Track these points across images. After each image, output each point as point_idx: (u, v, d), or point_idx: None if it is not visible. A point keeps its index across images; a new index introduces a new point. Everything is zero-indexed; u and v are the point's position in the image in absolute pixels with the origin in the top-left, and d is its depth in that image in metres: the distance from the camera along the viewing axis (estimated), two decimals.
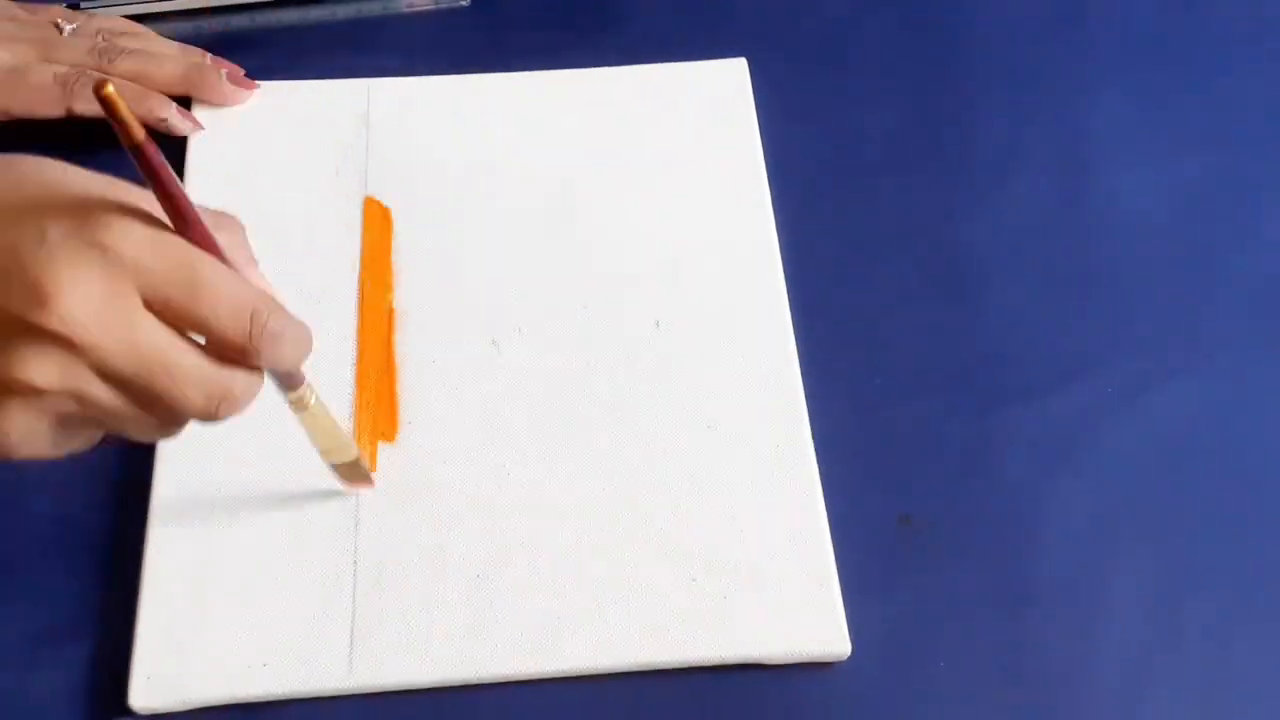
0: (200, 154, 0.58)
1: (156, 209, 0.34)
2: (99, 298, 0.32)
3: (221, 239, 0.35)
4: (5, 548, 0.48)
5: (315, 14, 0.63)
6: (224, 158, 0.58)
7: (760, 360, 0.53)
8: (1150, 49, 0.64)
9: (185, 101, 0.58)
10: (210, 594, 0.47)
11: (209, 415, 0.36)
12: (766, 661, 0.46)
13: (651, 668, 0.46)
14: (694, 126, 0.59)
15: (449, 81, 0.61)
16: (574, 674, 0.46)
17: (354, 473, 0.48)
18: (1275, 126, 0.62)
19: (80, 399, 0.34)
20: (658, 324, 0.54)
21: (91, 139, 0.57)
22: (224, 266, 0.35)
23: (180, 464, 0.49)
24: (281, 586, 0.47)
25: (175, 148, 0.58)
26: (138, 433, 0.36)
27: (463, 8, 0.64)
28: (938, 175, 0.60)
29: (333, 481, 0.48)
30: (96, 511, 0.49)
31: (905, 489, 0.51)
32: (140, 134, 0.32)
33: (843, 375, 0.53)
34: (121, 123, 0.31)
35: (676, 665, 0.46)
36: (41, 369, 0.33)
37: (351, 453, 0.47)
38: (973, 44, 0.64)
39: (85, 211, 0.33)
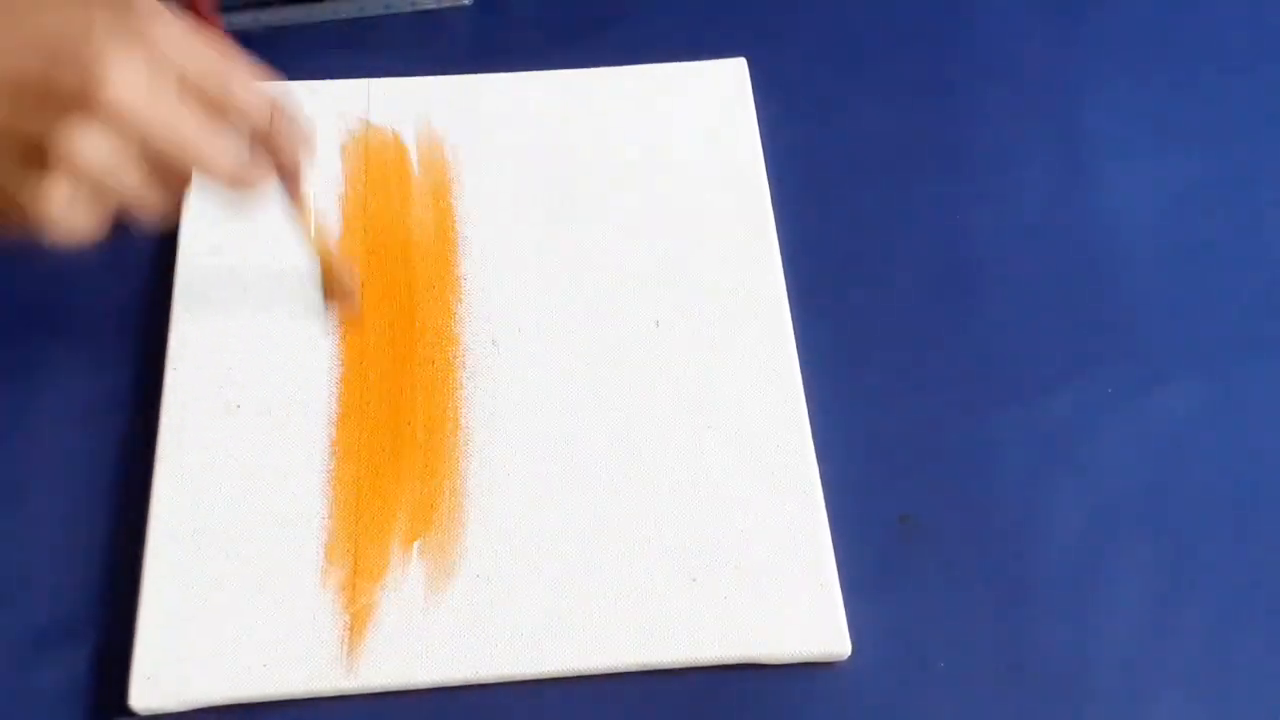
0: None
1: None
2: (144, 79, 0.37)
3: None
4: (5, 548, 0.48)
5: (316, 13, 0.63)
6: None
7: (760, 360, 0.53)
8: (1150, 49, 0.64)
9: None
10: (210, 594, 0.47)
11: (235, 178, 0.41)
12: (766, 661, 0.46)
13: (651, 668, 0.46)
14: (694, 126, 0.59)
15: (449, 81, 0.61)
16: (574, 674, 0.46)
17: (340, 281, 0.50)
18: (1275, 126, 0.62)
19: (118, 171, 0.38)
20: (658, 324, 0.54)
21: None
22: (244, 66, 0.40)
23: (180, 464, 0.49)
24: (281, 587, 0.47)
25: None
26: (152, 208, 0.40)
27: (463, 7, 0.64)
28: (938, 175, 0.60)
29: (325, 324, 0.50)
30: (96, 511, 0.49)
31: (905, 489, 0.51)
32: None
33: (843, 375, 0.53)
34: None
35: (676, 665, 0.46)
36: (90, 144, 0.36)
37: (339, 263, 0.50)
38: (973, 44, 0.64)
39: (129, 5, 0.37)
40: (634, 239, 0.56)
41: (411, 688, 0.46)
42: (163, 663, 0.45)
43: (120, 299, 0.54)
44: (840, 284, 0.56)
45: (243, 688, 0.45)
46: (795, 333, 0.53)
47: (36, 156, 0.37)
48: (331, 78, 0.60)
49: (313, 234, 0.49)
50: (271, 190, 0.44)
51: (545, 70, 0.61)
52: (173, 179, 0.40)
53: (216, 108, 0.40)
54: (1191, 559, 0.50)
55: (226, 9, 0.63)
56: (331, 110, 0.59)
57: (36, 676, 0.46)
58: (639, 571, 0.48)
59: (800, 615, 0.47)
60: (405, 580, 0.47)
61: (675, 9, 0.65)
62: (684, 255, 0.56)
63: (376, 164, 0.58)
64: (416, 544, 0.48)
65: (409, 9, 0.64)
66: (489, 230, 0.56)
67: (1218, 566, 0.49)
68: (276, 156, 0.43)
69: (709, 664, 0.46)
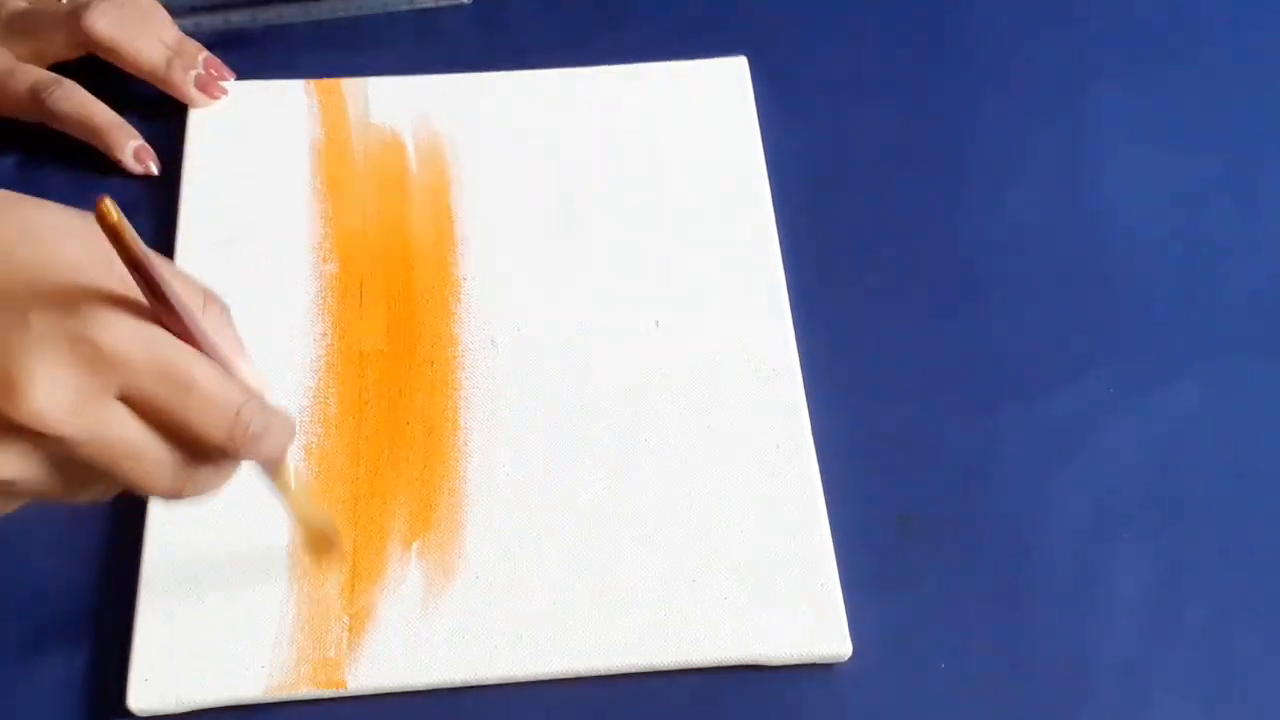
0: (198, 151, 0.58)
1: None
2: (73, 393, 0.31)
3: (209, 324, 0.34)
4: (5, 548, 0.48)
5: (316, 13, 0.63)
6: (222, 155, 0.58)
7: (760, 360, 0.53)
8: (1150, 48, 0.64)
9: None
10: (209, 595, 0.46)
11: (174, 498, 0.35)
12: (766, 662, 0.46)
13: (651, 668, 0.46)
14: (694, 126, 0.59)
15: (449, 81, 0.61)
16: (574, 674, 0.46)
17: (325, 544, 0.46)
18: (1275, 126, 0.62)
19: (31, 482, 0.33)
20: (658, 324, 0.54)
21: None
22: (211, 366, 0.34)
23: None
24: (280, 588, 0.47)
25: (174, 145, 0.58)
26: (76, 503, 0.36)
27: (463, 7, 0.64)
28: (938, 175, 0.59)
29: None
30: (95, 512, 0.49)
31: (905, 489, 0.51)
32: (137, 250, 0.31)
33: (843, 375, 0.53)
34: (120, 242, 0.30)
35: (676, 665, 0.46)
36: (6, 460, 0.32)
37: (325, 525, 0.46)
38: (972, 43, 0.64)
39: (73, 301, 0.31)
40: (634, 239, 0.56)
41: (411, 689, 0.45)
42: (161, 664, 0.45)
43: None
44: (840, 284, 0.56)
45: (241, 689, 0.45)
46: (795, 333, 0.53)
47: None
48: (331, 76, 0.60)
49: (292, 498, 0.43)
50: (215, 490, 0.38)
51: (545, 70, 0.61)
52: (93, 491, 0.35)
53: (165, 425, 0.33)
54: (1192, 559, 0.50)
55: (227, 8, 0.63)
56: (330, 109, 0.59)
57: (36, 676, 0.46)
58: (639, 572, 0.48)
59: (800, 615, 0.47)
60: (404, 581, 0.47)
61: (675, 9, 0.65)
62: (684, 255, 0.55)
63: (376, 164, 0.58)
64: (416, 544, 0.48)
65: (409, 8, 0.64)
66: (489, 230, 0.56)
67: (1218, 566, 0.49)
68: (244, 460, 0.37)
69: (709, 664, 0.46)
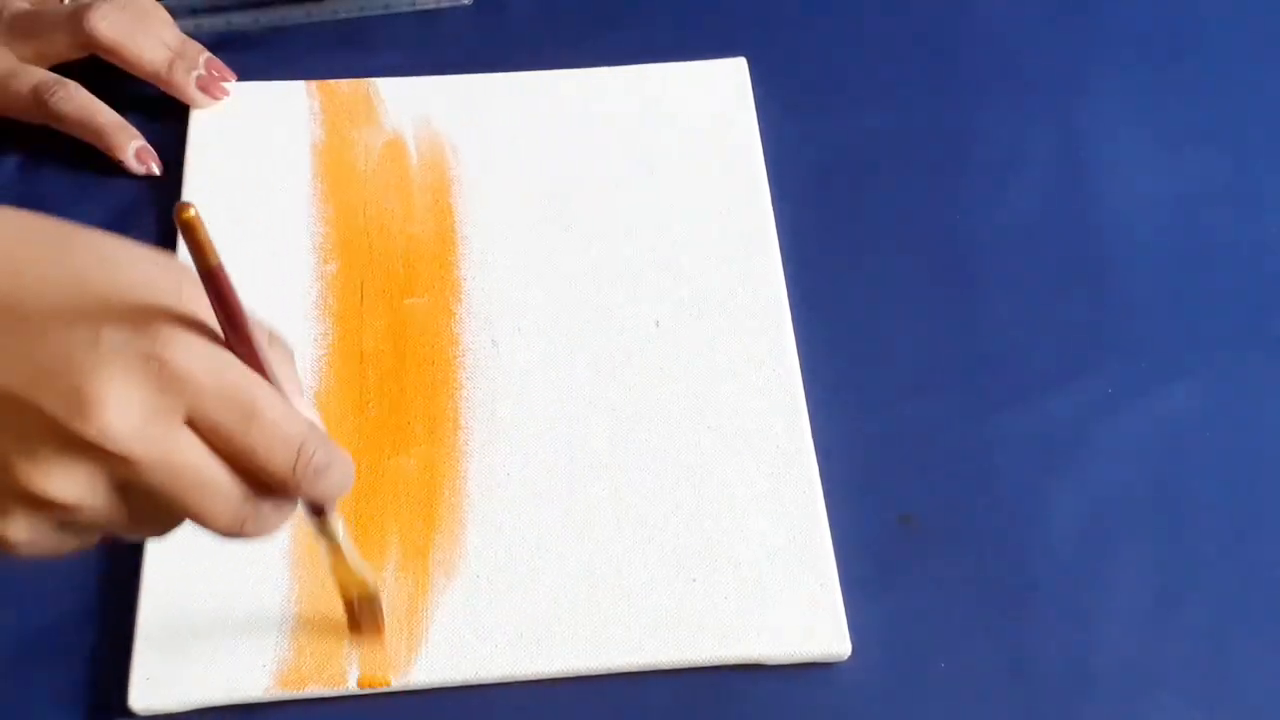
0: (200, 152, 0.58)
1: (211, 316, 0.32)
2: (142, 412, 0.31)
3: (273, 360, 0.34)
4: None
5: (316, 13, 0.63)
6: (223, 156, 0.58)
7: (760, 360, 0.53)
8: (1150, 48, 0.64)
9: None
10: (210, 594, 0.47)
11: (233, 534, 0.34)
12: (766, 661, 0.46)
13: (651, 668, 0.46)
14: (694, 126, 0.59)
15: (450, 81, 0.61)
16: (574, 674, 0.46)
17: (369, 613, 0.45)
18: (1275, 126, 0.62)
19: (93, 510, 0.32)
20: (658, 324, 0.54)
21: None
22: (278, 395, 0.33)
23: None
24: (281, 587, 0.47)
25: (176, 146, 0.58)
26: (139, 536, 0.35)
27: (464, 7, 0.64)
28: (938, 175, 0.60)
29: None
30: None
31: (905, 489, 0.51)
32: (215, 259, 0.30)
33: (843, 375, 0.53)
34: (199, 246, 0.30)
35: (676, 665, 0.46)
36: (65, 482, 0.31)
37: (370, 586, 0.44)
38: (972, 44, 0.64)
39: (145, 319, 0.31)
40: (634, 239, 0.56)
41: (412, 688, 0.46)
42: (162, 663, 0.45)
43: None
44: (840, 284, 0.56)
45: (243, 688, 0.45)
46: (795, 333, 0.53)
47: (0, 484, 0.31)
48: (332, 77, 0.60)
49: (338, 558, 0.43)
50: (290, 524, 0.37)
51: (545, 70, 0.61)
52: (159, 523, 0.34)
53: (229, 452, 0.33)
54: (1192, 559, 0.50)
55: (228, 9, 0.63)
56: (331, 111, 0.59)
57: (36, 677, 0.46)
58: (639, 571, 0.48)
59: (800, 615, 0.47)
60: (405, 581, 0.47)
61: (675, 9, 0.65)
62: (684, 255, 0.56)
63: (377, 165, 0.58)
64: (416, 544, 0.48)
65: (409, 9, 0.64)
66: (489, 230, 0.56)
67: (1218, 566, 0.49)
68: (300, 498, 0.36)
69: (709, 664, 0.46)
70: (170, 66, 0.58)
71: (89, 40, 0.57)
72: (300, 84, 0.60)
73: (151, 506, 0.33)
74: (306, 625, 0.46)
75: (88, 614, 0.47)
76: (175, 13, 0.61)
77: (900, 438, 0.52)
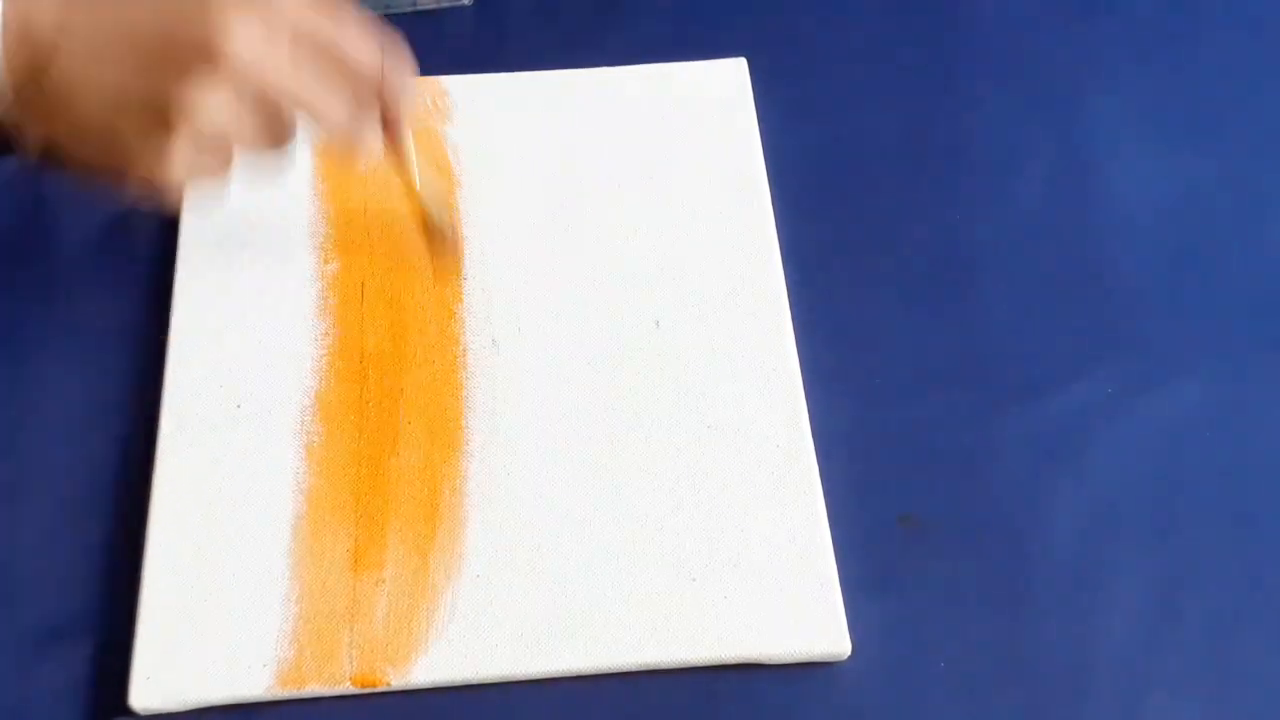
0: None
1: None
2: (261, 37, 0.40)
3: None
4: (5, 548, 0.48)
5: None
6: None
7: (760, 360, 0.53)
8: (1150, 48, 0.64)
9: None
10: (210, 594, 0.47)
11: (344, 131, 0.44)
12: (766, 661, 0.46)
13: (651, 668, 0.46)
14: (694, 126, 0.59)
15: (450, 81, 0.61)
16: (574, 674, 0.46)
17: (439, 240, 0.52)
18: (1275, 126, 0.62)
19: (234, 120, 0.40)
20: (658, 324, 0.54)
21: None
22: (351, 23, 0.43)
23: (180, 464, 0.49)
24: (281, 587, 0.47)
25: None
26: (260, 147, 0.43)
27: (464, 7, 0.64)
28: (938, 175, 0.60)
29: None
30: (96, 511, 0.49)
31: (905, 489, 0.51)
32: None
33: (843, 375, 0.53)
34: None
35: (676, 665, 0.46)
36: (213, 100, 0.39)
37: (437, 218, 0.52)
38: (972, 44, 0.64)
39: None
40: (634, 239, 0.56)
41: (412, 688, 0.46)
42: (163, 663, 0.45)
43: (120, 299, 0.54)
44: (840, 284, 0.56)
45: (243, 687, 0.45)
46: (795, 333, 0.53)
47: (159, 116, 0.39)
48: None
49: (417, 184, 0.51)
50: (376, 141, 0.47)
51: (545, 70, 0.61)
52: (281, 130, 0.42)
53: (328, 61, 0.42)
54: (1192, 559, 0.50)
55: None
56: None
57: (36, 676, 0.46)
58: (639, 571, 0.48)
59: (800, 615, 0.47)
60: (406, 580, 0.47)
61: (675, 9, 0.65)
62: (684, 255, 0.56)
63: (377, 164, 0.58)
64: (417, 544, 0.48)
65: (409, 9, 0.64)
66: (489, 230, 0.56)
67: (1218, 567, 0.49)
68: (383, 107, 0.45)
69: (709, 664, 0.46)
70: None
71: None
72: None
73: (273, 115, 0.41)
74: (306, 625, 0.46)
75: (88, 614, 0.47)
76: None
77: (900, 437, 0.52)
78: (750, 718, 0.46)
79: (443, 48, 0.62)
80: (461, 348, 0.53)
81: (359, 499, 0.49)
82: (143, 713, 0.45)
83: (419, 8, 0.64)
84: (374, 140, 0.46)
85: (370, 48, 0.44)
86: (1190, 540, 0.50)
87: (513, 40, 0.63)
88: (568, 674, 0.46)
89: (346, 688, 0.45)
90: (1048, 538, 0.50)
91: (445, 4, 0.64)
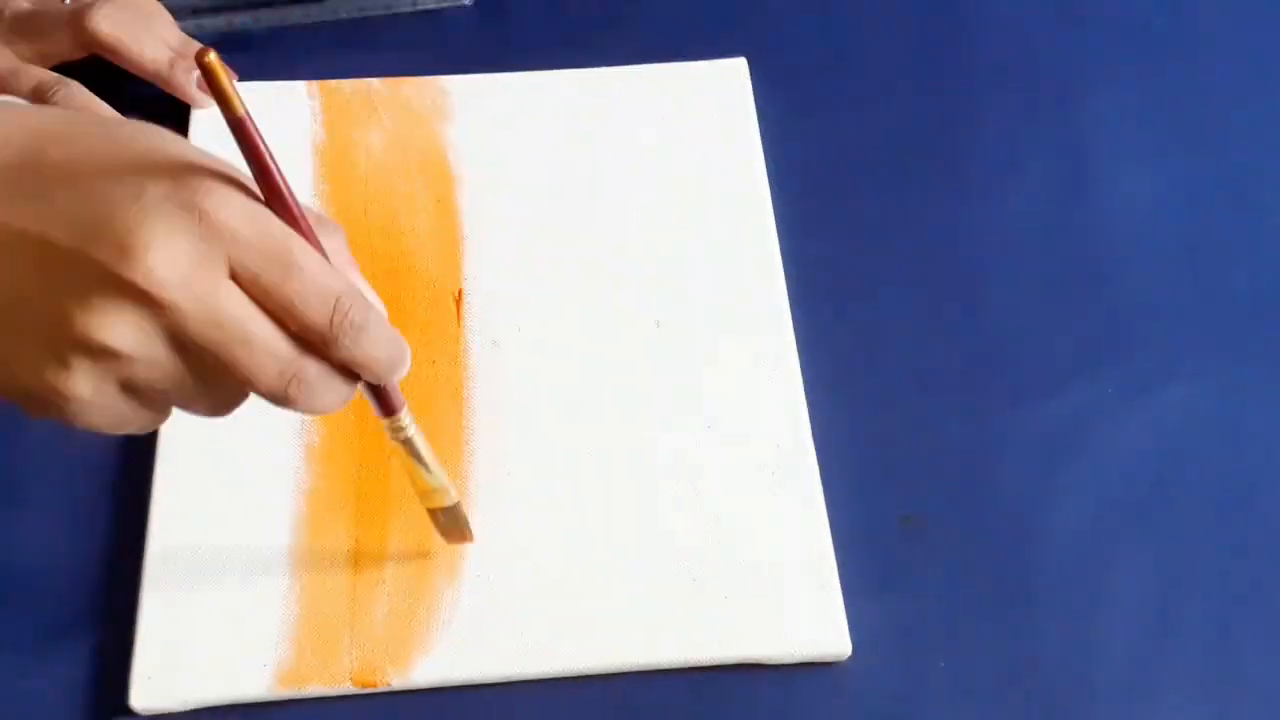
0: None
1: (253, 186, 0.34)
2: (186, 259, 0.32)
3: (324, 241, 0.35)
4: (5, 547, 0.48)
5: (316, 13, 0.63)
6: (224, 156, 0.58)
7: (760, 360, 0.53)
8: (1150, 48, 0.64)
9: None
10: (210, 594, 0.47)
11: (279, 393, 0.35)
12: (766, 661, 0.46)
13: (651, 668, 0.46)
14: (694, 126, 0.59)
15: (450, 81, 0.61)
16: (574, 674, 0.46)
17: (452, 522, 0.46)
18: (1275, 125, 0.62)
19: (150, 365, 0.33)
20: (658, 324, 0.54)
21: None
22: (314, 252, 0.34)
23: (180, 464, 0.49)
24: (281, 587, 0.47)
25: None
26: (198, 409, 0.36)
27: (464, 7, 0.64)
28: (938, 175, 0.60)
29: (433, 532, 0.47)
30: (96, 511, 0.49)
31: (905, 489, 0.51)
32: (241, 109, 0.32)
33: (843, 375, 0.53)
34: (222, 96, 0.32)
35: (676, 665, 0.46)
36: (118, 328, 0.32)
37: (449, 498, 0.45)
38: (973, 44, 0.64)
39: (186, 175, 0.33)
40: (634, 239, 0.56)
41: (412, 688, 0.46)
42: (163, 663, 0.45)
43: None
44: (841, 284, 0.56)
45: (244, 687, 0.45)
46: (795, 333, 0.53)
47: (59, 337, 0.32)
48: (332, 77, 0.60)
49: (427, 479, 0.44)
50: (335, 405, 0.37)
51: (546, 71, 0.61)
52: (220, 381, 0.35)
53: (271, 305, 0.34)
54: (1193, 559, 0.50)
55: (229, 9, 0.63)
56: (332, 111, 0.59)
57: (36, 676, 0.46)
58: (639, 571, 0.48)
59: (800, 615, 0.47)
60: (406, 581, 0.47)
61: (675, 9, 0.65)
62: (684, 255, 0.56)
63: (377, 165, 0.58)
64: (418, 544, 0.48)
65: (409, 9, 0.64)
66: (490, 230, 0.56)
67: (1219, 567, 0.49)
68: (349, 362, 0.36)
69: (709, 664, 0.46)
70: (172, 66, 0.58)
71: (90, 40, 0.57)
72: (301, 84, 0.60)
73: (204, 365, 0.34)
74: (306, 625, 0.46)
75: (88, 614, 0.47)
76: (176, 13, 0.60)
77: (901, 438, 0.52)
78: (750, 718, 0.46)
79: (443, 48, 0.62)
80: (461, 348, 0.53)
81: (359, 499, 0.49)
82: (143, 713, 0.45)
83: (419, 8, 0.64)
84: (323, 402, 0.36)
85: (327, 288, 0.34)
86: (1190, 540, 0.50)
87: (513, 40, 0.63)
88: (568, 674, 0.46)
89: (346, 688, 0.45)
90: (1048, 538, 0.50)
91: (445, 4, 0.64)
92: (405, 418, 0.41)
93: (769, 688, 0.46)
